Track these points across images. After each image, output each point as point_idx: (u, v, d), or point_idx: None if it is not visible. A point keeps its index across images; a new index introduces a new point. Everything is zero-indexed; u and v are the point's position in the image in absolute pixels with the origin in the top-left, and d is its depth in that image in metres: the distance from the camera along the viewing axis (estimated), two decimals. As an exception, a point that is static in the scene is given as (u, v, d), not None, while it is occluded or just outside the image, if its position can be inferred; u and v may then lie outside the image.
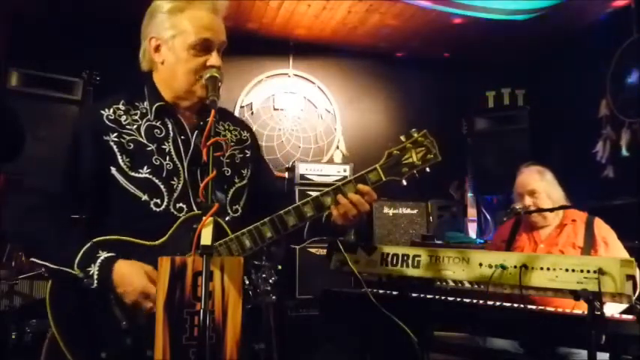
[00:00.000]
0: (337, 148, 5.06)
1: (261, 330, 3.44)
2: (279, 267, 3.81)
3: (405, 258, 2.47)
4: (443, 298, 2.39)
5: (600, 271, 1.95)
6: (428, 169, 1.61)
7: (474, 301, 2.30)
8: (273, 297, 3.62)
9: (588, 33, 4.41)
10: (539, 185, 2.77)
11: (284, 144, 4.96)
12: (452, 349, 2.51)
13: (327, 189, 1.58)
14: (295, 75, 5.05)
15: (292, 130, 5.01)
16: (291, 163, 4.69)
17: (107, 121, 1.54)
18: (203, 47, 1.53)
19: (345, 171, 4.61)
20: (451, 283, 2.36)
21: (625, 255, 2.52)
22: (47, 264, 1.48)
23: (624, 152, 3.92)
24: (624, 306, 2.13)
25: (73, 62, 4.10)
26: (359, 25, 4.56)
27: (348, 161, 4.83)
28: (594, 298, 1.89)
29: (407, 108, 5.27)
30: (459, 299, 2.34)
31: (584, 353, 1.98)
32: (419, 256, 2.43)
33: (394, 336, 2.25)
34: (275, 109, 4.99)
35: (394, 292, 2.49)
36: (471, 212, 4.75)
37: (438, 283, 2.40)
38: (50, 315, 1.51)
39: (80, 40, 4.28)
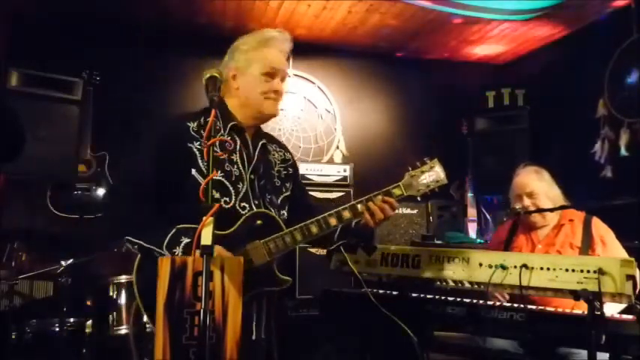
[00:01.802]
0: (337, 148, 5.06)
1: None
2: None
3: (405, 258, 2.48)
4: (443, 298, 2.40)
5: (600, 271, 1.95)
6: (437, 190, 1.98)
7: (474, 301, 2.30)
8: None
9: (588, 33, 4.41)
10: (538, 186, 2.76)
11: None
12: (452, 349, 2.51)
13: (361, 199, 1.93)
14: (295, 75, 5.05)
15: (292, 130, 5.00)
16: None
17: (192, 132, 1.85)
18: (270, 75, 1.93)
19: (345, 171, 4.60)
20: (451, 283, 2.37)
21: (623, 254, 2.51)
22: (141, 243, 1.74)
23: (623, 152, 3.92)
24: (624, 306, 2.13)
25: (73, 62, 4.10)
26: (359, 25, 4.56)
27: (348, 161, 4.83)
28: (594, 298, 1.90)
29: (407, 108, 5.26)
30: (459, 299, 2.35)
31: (584, 353, 1.99)
32: (419, 256, 2.44)
33: (394, 336, 2.26)
34: (275, 109, 4.98)
35: (394, 292, 2.49)
36: (471, 212, 4.75)
37: (438, 283, 2.41)
38: (135, 286, 1.79)
39: (80, 40, 4.27)
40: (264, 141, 2.01)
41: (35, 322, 3.26)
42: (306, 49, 4.93)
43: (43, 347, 3.22)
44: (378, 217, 1.90)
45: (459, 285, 2.35)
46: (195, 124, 1.87)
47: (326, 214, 1.88)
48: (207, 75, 1.67)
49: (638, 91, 3.87)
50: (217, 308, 1.40)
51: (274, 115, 1.98)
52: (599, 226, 2.64)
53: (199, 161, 1.81)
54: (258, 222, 1.82)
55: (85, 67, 4.08)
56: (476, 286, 2.30)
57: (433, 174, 1.96)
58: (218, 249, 1.64)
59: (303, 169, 4.54)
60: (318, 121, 5.08)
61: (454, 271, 2.32)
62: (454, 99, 5.15)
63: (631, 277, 1.94)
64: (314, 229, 1.86)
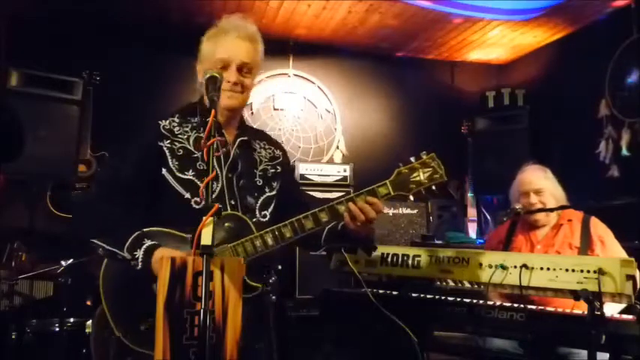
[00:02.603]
0: (337, 148, 5.06)
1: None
2: (279, 267, 3.80)
3: (405, 258, 2.48)
4: (443, 298, 2.40)
5: (600, 271, 1.95)
6: (434, 187, 1.77)
7: (474, 301, 2.30)
8: (273, 297, 3.61)
9: (588, 33, 4.41)
10: (545, 184, 2.76)
11: (284, 144, 4.95)
12: (452, 349, 2.51)
13: (341, 199, 1.77)
14: (295, 75, 5.05)
15: (292, 130, 5.00)
16: (290, 164, 4.68)
17: (163, 130, 1.79)
18: (222, 65, 1.79)
19: (345, 171, 4.60)
20: (451, 283, 2.37)
21: (622, 254, 2.51)
22: (104, 245, 1.69)
23: (624, 152, 3.92)
24: (624, 306, 2.13)
25: (73, 62, 4.10)
26: (359, 25, 4.56)
27: (348, 161, 4.83)
28: (594, 298, 1.90)
29: (407, 108, 5.26)
30: (459, 299, 2.35)
31: (584, 353, 1.99)
32: (419, 256, 2.44)
33: (394, 336, 2.25)
34: (275, 109, 4.98)
35: (394, 292, 2.49)
36: (471, 212, 4.75)
37: (438, 283, 2.41)
38: (101, 289, 1.74)
39: (80, 40, 4.27)
40: (245, 138, 1.89)
41: (35, 322, 3.26)
42: (306, 49, 4.94)
43: (43, 347, 3.22)
44: (359, 219, 1.73)
45: (459, 285, 2.35)
46: (167, 122, 1.81)
47: (301, 217, 1.74)
48: (208, 75, 1.63)
49: (638, 91, 3.87)
50: (217, 308, 1.40)
51: (232, 108, 1.83)
52: (597, 226, 2.64)
53: (169, 160, 1.75)
54: (226, 224, 1.72)
55: (85, 67, 4.09)
56: (476, 286, 2.30)
57: (428, 170, 1.76)
58: (165, 251, 1.62)
59: (303, 169, 4.54)
60: (318, 121, 5.08)
61: (454, 271, 2.32)
62: (454, 99, 5.15)
63: (631, 277, 1.95)
64: (287, 233, 1.74)
